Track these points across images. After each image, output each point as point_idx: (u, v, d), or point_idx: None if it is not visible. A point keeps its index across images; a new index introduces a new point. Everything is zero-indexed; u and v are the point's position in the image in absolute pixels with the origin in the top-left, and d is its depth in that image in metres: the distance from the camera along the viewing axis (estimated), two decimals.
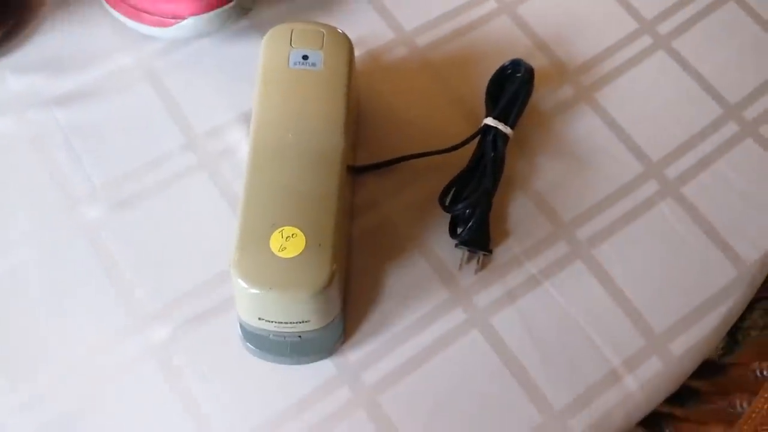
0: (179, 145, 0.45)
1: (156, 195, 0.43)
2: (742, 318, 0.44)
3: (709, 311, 0.42)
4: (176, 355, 0.38)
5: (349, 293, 0.40)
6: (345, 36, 0.38)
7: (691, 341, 0.41)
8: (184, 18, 0.43)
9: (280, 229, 0.31)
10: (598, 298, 0.41)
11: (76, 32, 0.48)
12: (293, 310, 0.32)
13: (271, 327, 0.33)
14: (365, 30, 0.49)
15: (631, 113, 0.48)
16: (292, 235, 0.31)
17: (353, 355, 0.39)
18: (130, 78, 0.47)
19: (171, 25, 0.44)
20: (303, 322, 0.33)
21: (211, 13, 0.43)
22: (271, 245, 0.31)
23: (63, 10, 0.48)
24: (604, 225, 0.44)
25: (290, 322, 0.32)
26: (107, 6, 0.47)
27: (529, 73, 0.44)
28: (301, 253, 0.31)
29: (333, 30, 0.37)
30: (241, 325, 0.36)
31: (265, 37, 0.38)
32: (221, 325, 0.39)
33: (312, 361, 0.37)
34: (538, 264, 0.42)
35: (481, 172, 0.41)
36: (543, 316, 0.41)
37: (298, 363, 0.37)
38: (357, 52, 0.48)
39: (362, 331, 0.40)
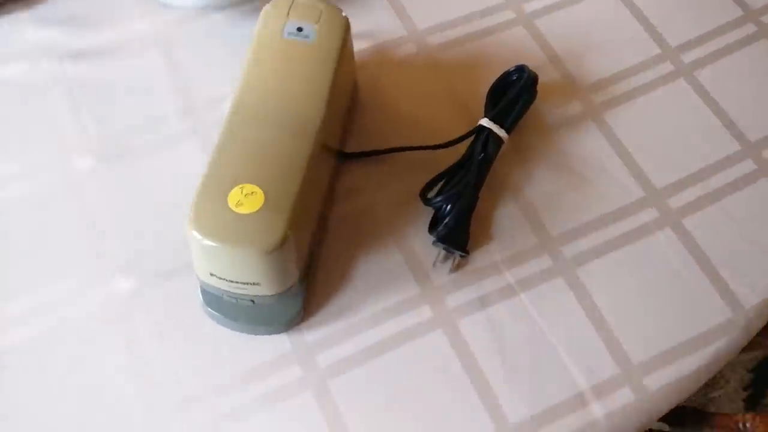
0: (177, 110, 0.45)
1: (147, 155, 0.44)
2: None
3: (695, 350, 0.39)
4: (137, 309, 0.38)
5: (316, 272, 0.39)
6: (342, 15, 0.38)
7: (668, 378, 0.38)
8: None
9: (241, 185, 0.30)
10: (574, 318, 0.39)
11: None
12: (243, 269, 0.31)
13: (223, 285, 0.32)
14: (378, 23, 0.49)
15: (639, 137, 0.46)
16: (252, 192, 0.30)
17: (311, 335, 0.38)
18: (141, 42, 0.47)
19: None
20: (253, 284, 0.32)
21: None
22: (229, 200, 0.30)
23: None
24: (593, 245, 0.42)
25: (240, 282, 0.32)
26: None
27: (532, 79, 0.43)
28: (256, 211, 0.30)
29: (332, 7, 0.38)
30: (201, 287, 0.36)
31: (265, 6, 0.38)
32: (186, 286, 0.38)
33: (266, 333, 0.37)
34: (516, 274, 0.41)
35: (465, 170, 0.40)
36: (513, 327, 0.39)
37: (253, 333, 0.37)
38: (366, 44, 0.49)
39: (324, 313, 0.39)
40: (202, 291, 0.35)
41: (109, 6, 0.49)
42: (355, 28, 0.48)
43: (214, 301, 0.35)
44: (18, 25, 0.47)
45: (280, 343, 0.37)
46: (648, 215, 0.43)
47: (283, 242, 0.30)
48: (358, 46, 0.48)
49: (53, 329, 0.38)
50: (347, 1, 0.50)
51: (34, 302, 0.38)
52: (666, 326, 0.40)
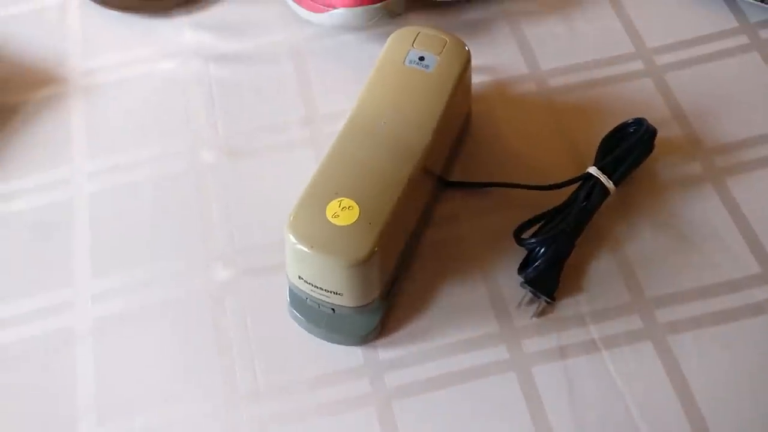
0: (299, 119, 0.48)
1: (265, 156, 0.47)
2: None
3: None
4: (228, 297, 0.41)
5: (400, 293, 0.40)
6: (465, 48, 0.39)
7: None
8: (336, 7, 0.47)
9: (340, 199, 0.32)
10: (658, 386, 0.38)
11: (253, 4, 0.54)
12: (328, 277, 0.33)
13: (308, 290, 0.34)
14: (501, 59, 0.50)
15: (764, 209, 0.43)
16: (349, 206, 0.32)
17: (385, 353, 0.39)
18: (278, 52, 0.51)
19: (322, 11, 0.48)
20: (336, 293, 0.33)
21: (360, 8, 0.46)
22: (327, 210, 0.32)
23: None
24: (691, 314, 0.40)
25: (324, 289, 0.33)
26: None
27: (651, 133, 0.41)
28: (350, 225, 0.32)
29: (456, 40, 0.39)
30: (289, 287, 0.38)
31: (393, 33, 0.40)
32: (279, 285, 0.41)
33: (343, 343, 0.38)
34: (602, 330, 0.39)
35: (564, 216, 0.39)
36: (590, 384, 0.38)
37: (330, 340, 0.38)
38: (487, 77, 0.49)
39: (401, 334, 0.40)
40: (290, 292, 0.38)
41: (257, 16, 0.53)
42: (478, 60, 0.49)
43: (299, 303, 0.37)
44: (178, 27, 0.53)
45: (354, 355, 0.39)
46: (762, 294, 0.40)
47: (368, 257, 0.31)
48: (480, 78, 0.49)
49: (151, 306, 0.41)
50: (475, 34, 0.51)
51: (138, 276, 0.42)
52: (760, 418, 0.37)
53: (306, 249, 0.32)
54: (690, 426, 0.36)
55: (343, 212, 0.32)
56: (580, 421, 0.37)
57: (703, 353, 0.38)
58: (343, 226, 0.32)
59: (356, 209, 0.32)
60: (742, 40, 0.50)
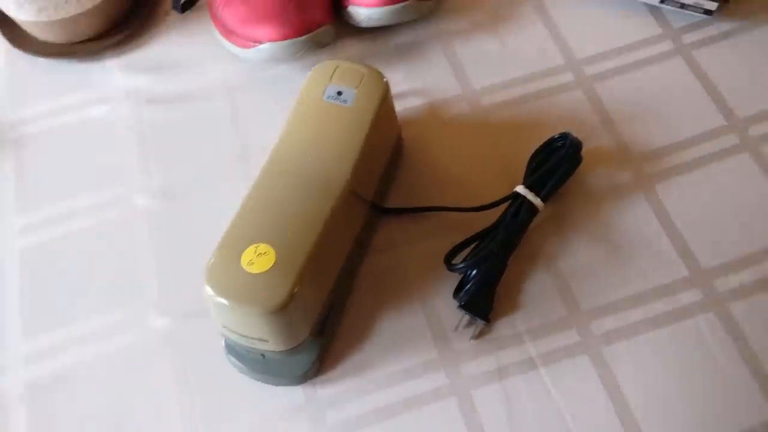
0: (234, 156, 0.48)
1: (200, 196, 0.47)
2: None
3: None
4: (167, 345, 0.41)
5: (337, 326, 0.41)
6: (383, 80, 0.39)
7: None
8: (262, 42, 0.47)
9: (256, 245, 0.32)
10: (596, 401, 0.38)
11: (186, 43, 0.54)
12: (249, 326, 0.33)
13: (234, 337, 0.34)
14: (435, 81, 0.50)
15: (691, 213, 0.44)
16: (265, 252, 0.32)
17: (324, 390, 0.39)
18: (211, 90, 0.51)
19: (250, 47, 0.48)
20: (261, 340, 0.33)
21: (286, 42, 0.46)
22: (243, 258, 0.32)
23: (181, 24, 0.54)
24: (625, 323, 0.40)
25: (249, 337, 0.33)
26: (212, 24, 0.52)
27: (575, 147, 0.42)
28: (266, 271, 0.32)
29: (373, 72, 0.39)
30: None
31: (311, 70, 0.40)
32: (217, 329, 0.41)
33: (281, 384, 0.38)
34: (539, 347, 0.40)
35: (492, 237, 0.40)
36: (528, 403, 0.38)
37: (269, 382, 0.38)
38: (420, 101, 0.50)
39: (341, 368, 0.40)
40: (224, 339, 0.38)
41: (189, 55, 0.53)
42: (412, 84, 0.49)
43: (233, 348, 0.37)
44: (109, 71, 0.52)
45: (294, 395, 0.39)
46: (690, 297, 0.41)
47: (286, 304, 0.31)
48: (414, 102, 0.50)
49: (86, 363, 0.41)
50: (408, 57, 0.52)
51: (73, 333, 0.42)
52: (696, 420, 0.37)
53: (223, 301, 0.32)
54: None
55: (258, 259, 0.32)
56: None
57: (636, 361, 0.39)
58: (259, 273, 0.32)
59: (272, 255, 0.32)
60: (667, 46, 0.51)
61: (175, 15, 0.54)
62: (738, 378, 0.38)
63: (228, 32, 0.50)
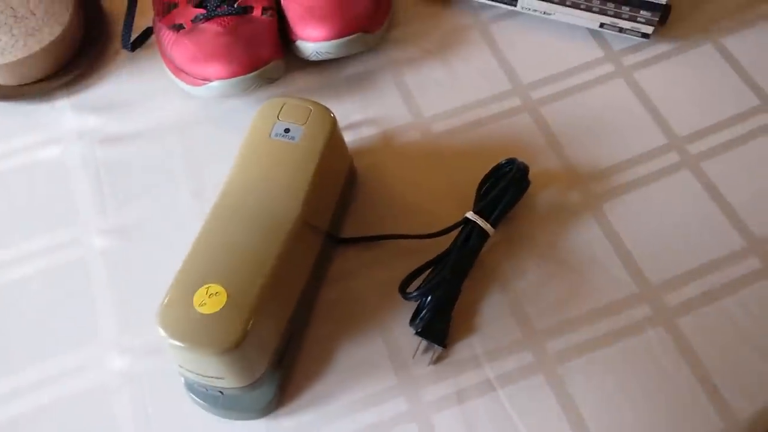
0: (189, 193, 0.48)
1: (157, 235, 0.47)
2: None
3: None
4: (126, 385, 0.41)
5: (297, 357, 0.41)
6: (330, 115, 0.40)
7: None
8: (211, 81, 0.47)
9: (207, 285, 0.33)
10: (552, 420, 0.39)
11: (137, 81, 0.54)
12: (205, 366, 0.33)
13: (192, 376, 0.34)
14: (386, 110, 0.51)
15: (638, 230, 0.45)
16: (216, 293, 0.32)
17: (287, 421, 0.39)
18: (165, 127, 0.51)
19: (201, 85, 0.48)
20: (218, 378, 0.34)
21: (235, 79, 0.47)
22: (195, 299, 0.32)
23: (132, 62, 0.54)
24: (578, 341, 0.41)
25: (206, 376, 0.34)
26: (163, 63, 0.52)
27: (522, 172, 0.43)
28: (217, 312, 0.32)
29: (320, 108, 0.40)
30: None
31: (259, 108, 0.40)
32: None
33: (242, 419, 0.38)
34: (496, 369, 0.41)
35: (445, 263, 0.40)
36: (488, 425, 0.39)
37: (230, 417, 0.38)
38: (373, 130, 0.51)
39: (303, 399, 0.40)
40: (183, 377, 0.37)
41: (141, 93, 0.53)
42: (365, 114, 0.50)
43: (192, 386, 0.37)
44: (60, 111, 0.52)
45: (257, 428, 0.39)
46: (640, 312, 0.42)
47: (239, 342, 0.32)
48: (367, 131, 0.51)
49: (43, 407, 0.40)
50: (360, 87, 0.53)
51: (33, 377, 0.41)
52: None
53: (176, 342, 0.32)
54: None
55: (210, 299, 0.32)
56: None
57: (589, 378, 0.40)
58: (211, 313, 0.32)
59: (223, 294, 0.32)
60: (608, 68, 0.53)
61: (125, 54, 0.54)
62: (687, 390, 0.39)
63: (177, 70, 0.50)
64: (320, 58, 0.50)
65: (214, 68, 0.47)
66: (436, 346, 0.40)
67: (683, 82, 0.52)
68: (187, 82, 0.49)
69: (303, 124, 0.39)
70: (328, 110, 0.40)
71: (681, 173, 0.48)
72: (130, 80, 0.53)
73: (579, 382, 0.40)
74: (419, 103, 0.52)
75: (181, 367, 0.34)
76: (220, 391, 0.35)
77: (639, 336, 0.41)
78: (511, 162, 0.44)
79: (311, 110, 0.39)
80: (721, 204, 0.46)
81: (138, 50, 0.54)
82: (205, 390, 0.35)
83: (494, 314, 0.42)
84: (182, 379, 0.38)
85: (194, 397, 0.38)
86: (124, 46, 0.53)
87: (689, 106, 0.50)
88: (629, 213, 0.46)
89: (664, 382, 0.40)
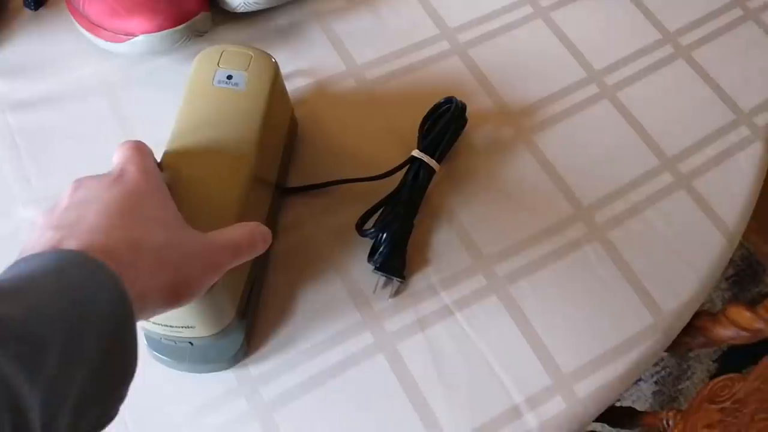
0: None
1: None
2: None
3: (619, 356, 0.41)
4: None
5: (259, 307, 0.41)
6: (271, 60, 0.39)
7: (596, 384, 0.40)
8: (135, 35, 0.45)
9: None
10: (508, 334, 0.42)
11: (45, 42, 0.50)
12: (176, 313, 0.32)
13: (160, 330, 0.34)
14: (318, 60, 0.51)
15: (567, 157, 0.49)
16: None
17: (256, 368, 0.40)
18: (86, 88, 0.49)
19: (123, 41, 0.46)
20: (188, 327, 0.33)
21: (162, 33, 0.45)
22: None
23: (36, 21, 0.51)
24: (524, 263, 0.44)
25: (175, 326, 0.33)
26: (72, 19, 0.49)
27: (461, 109, 0.45)
28: None
29: (261, 53, 0.39)
30: (143, 332, 0.37)
31: (196, 57, 0.39)
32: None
33: (210, 371, 0.38)
34: (452, 295, 0.43)
35: (397, 200, 0.42)
36: (450, 346, 0.41)
37: (198, 371, 0.38)
38: (307, 81, 0.51)
39: (268, 346, 0.40)
40: (145, 336, 0.37)
41: (53, 53, 0.50)
42: (296, 65, 0.50)
43: (157, 344, 0.37)
44: None
45: (226, 378, 0.39)
46: (576, 231, 0.46)
47: (211, 287, 0.31)
48: (301, 82, 0.50)
49: None
50: (288, 39, 0.52)
51: None
52: (593, 335, 0.42)
53: None
54: (539, 361, 0.41)
55: None
56: (449, 381, 0.40)
57: (538, 294, 0.43)
58: None
59: None
60: (527, 10, 0.55)
61: (27, 13, 0.50)
62: (622, 293, 0.43)
63: (94, 27, 0.47)
64: (247, 9, 0.49)
65: (138, 22, 0.45)
66: (395, 279, 0.42)
67: (596, 19, 0.55)
68: (108, 39, 0.47)
69: (245, 71, 0.38)
70: (269, 55, 0.40)
71: (601, 103, 0.51)
72: (39, 41, 0.50)
73: (529, 298, 0.43)
74: (351, 51, 0.52)
75: (148, 321, 0.33)
76: (190, 342, 0.35)
77: (577, 252, 0.45)
78: (449, 100, 0.46)
79: (252, 56, 0.39)
80: (637, 128, 0.50)
81: (41, 8, 0.50)
82: (173, 344, 0.35)
83: (445, 245, 0.44)
84: (144, 341, 0.38)
85: (159, 355, 0.37)
86: (26, 5, 0.49)
87: (603, 42, 0.54)
88: (559, 142, 0.49)
89: (602, 289, 0.43)
